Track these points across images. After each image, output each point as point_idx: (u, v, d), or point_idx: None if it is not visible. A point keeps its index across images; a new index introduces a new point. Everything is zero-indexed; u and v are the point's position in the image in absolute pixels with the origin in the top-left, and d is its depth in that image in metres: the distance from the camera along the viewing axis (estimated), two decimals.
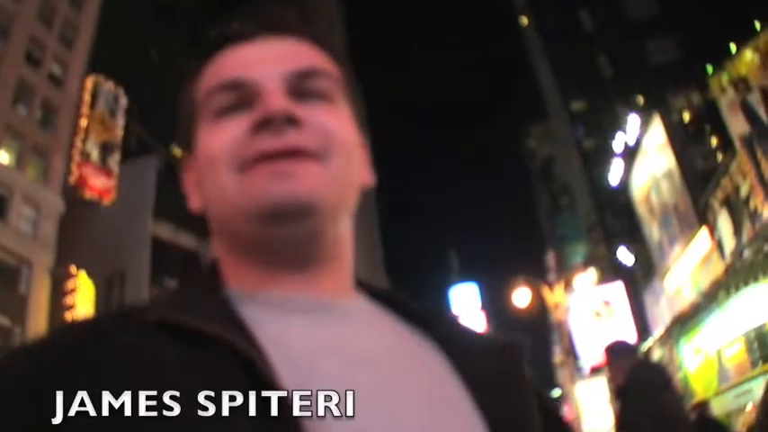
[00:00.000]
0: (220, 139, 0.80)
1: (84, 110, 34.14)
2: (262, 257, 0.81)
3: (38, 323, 28.23)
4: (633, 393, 5.01)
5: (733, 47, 25.96)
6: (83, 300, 30.39)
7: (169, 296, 0.80)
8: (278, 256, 0.80)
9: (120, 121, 36.42)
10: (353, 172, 0.85)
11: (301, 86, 0.82)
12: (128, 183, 34.78)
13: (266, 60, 0.83)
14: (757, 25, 24.32)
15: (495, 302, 75.40)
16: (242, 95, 0.81)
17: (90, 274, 30.98)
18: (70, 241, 31.10)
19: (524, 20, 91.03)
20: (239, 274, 0.82)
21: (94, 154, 34.42)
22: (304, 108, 0.81)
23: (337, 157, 0.80)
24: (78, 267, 30.33)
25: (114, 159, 35.49)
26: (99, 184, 34.18)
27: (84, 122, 33.89)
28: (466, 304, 75.84)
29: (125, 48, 42.67)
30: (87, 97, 34.41)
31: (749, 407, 26.56)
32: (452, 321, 0.90)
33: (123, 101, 36.71)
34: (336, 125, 0.82)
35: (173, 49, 46.75)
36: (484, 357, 0.83)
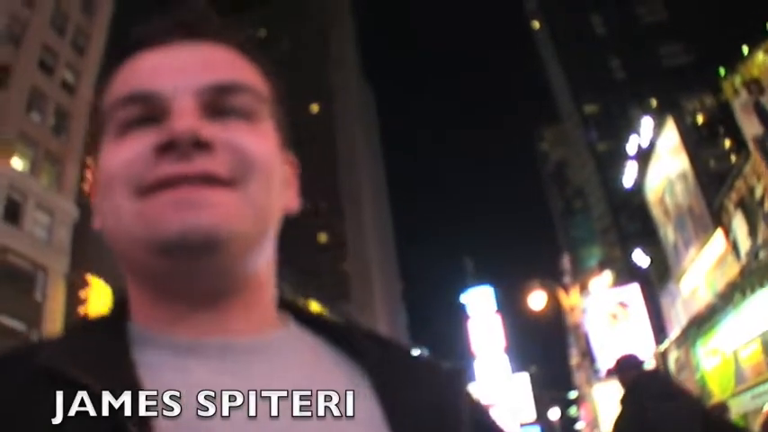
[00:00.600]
0: (120, 157, 0.71)
1: None
2: (164, 293, 0.73)
3: (53, 328, 28.42)
4: (627, 403, 5.20)
5: (745, 49, 25.90)
6: (98, 307, 30.57)
7: (63, 338, 0.73)
8: (181, 292, 0.72)
9: None
10: (273, 197, 0.76)
11: (218, 102, 0.73)
12: None
13: (180, 70, 0.74)
14: None
15: (510, 306, 75.14)
16: (149, 109, 0.72)
17: (106, 281, 31.16)
18: (85, 247, 31.29)
19: (536, 24, 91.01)
20: (143, 311, 0.75)
21: None
22: (219, 127, 0.72)
23: (254, 183, 0.72)
24: (93, 273, 30.51)
25: None
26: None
27: None
28: (482, 308, 75.60)
29: None
30: None
31: (766, 407, 26.43)
32: (386, 345, 0.83)
33: None
34: (255, 147, 0.73)
35: None
36: (415, 389, 0.76)
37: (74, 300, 29.66)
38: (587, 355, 48.09)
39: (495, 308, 75.96)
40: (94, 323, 0.76)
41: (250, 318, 0.75)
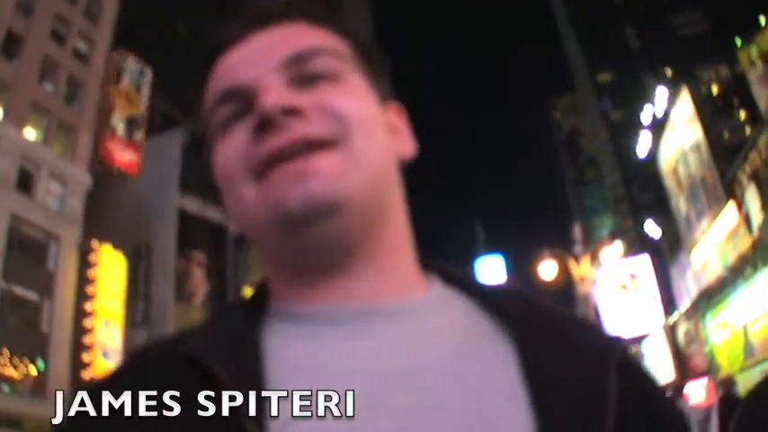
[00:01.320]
0: (228, 151, 0.75)
1: (110, 85, 34.37)
2: (294, 267, 0.76)
3: (66, 297, 28.68)
4: None
5: (762, 19, 25.57)
6: (110, 273, 30.83)
7: (203, 326, 0.79)
8: (313, 264, 0.75)
9: (146, 96, 36.64)
10: (379, 149, 0.77)
11: (301, 71, 0.76)
12: (153, 157, 35.05)
13: (256, 57, 0.77)
14: None
15: (520, 275, 75.30)
16: (241, 102, 0.76)
17: (117, 248, 31.38)
18: (97, 216, 31.47)
19: None
20: (279, 287, 0.79)
21: (120, 128, 34.70)
22: (308, 94, 0.75)
23: (357, 139, 0.74)
24: (105, 241, 30.73)
25: (140, 134, 35.76)
26: (125, 159, 34.49)
27: (109, 98, 34.14)
28: (492, 276, 75.85)
29: (150, 21, 42.76)
30: (113, 72, 34.62)
31: None
32: (537, 307, 0.80)
33: (148, 75, 36.87)
34: (348, 104, 0.75)
35: (198, 21, 46.78)
36: (563, 356, 0.73)
37: (86, 268, 29.92)
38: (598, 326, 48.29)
39: (506, 276, 76.05)
40: (238, 308, 0.80)
41: (389, 282, 0.77)
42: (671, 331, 40.19)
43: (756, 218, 29.93)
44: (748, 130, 39.86)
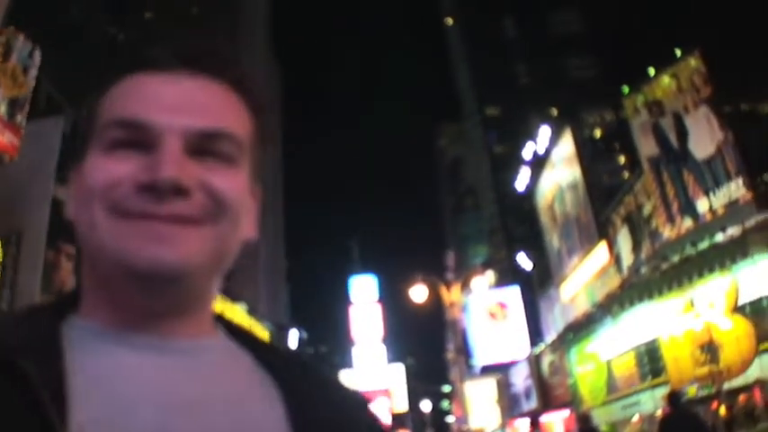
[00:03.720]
0: (103, 175, 0.77)
1: None
2: (121, 301, 0.79)
3: None
4: None
5: (651, 70, 26.76)
6: None
7: (6, 321, 0.80)
8: (137, 306, 0.78)
9: (33, 78, 34.89)
10: (238, 235, 0.83)
11: (203, 145, 0.79)
12: (32, 141, 33.32)
13: (172, 105, 0.79)
14: (678, 52, 25.14)
15: (392, 296, 75.94)
16: (139, 136, 0.78)
17: None
18: None
19: (449, 20, 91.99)
20: (96, 306, 0.80)
21: (2, 109, 32.85)
22: (199, 167, 0.78)
23: (224, 224, 0.79)
24: None
25: (22, 116, 33.98)
26: (5, 141, 32.62)
27: None
28: (364, 295, 76.08)
29: (44, 3, 40.95)
30: (0, 50, 32.83)
31: (635, 418, 27.57)
32: (299, 365, 0.88)
33: (37, 57, 35.15)
34: (229, 191, 0.80)
35: (93, 9, 45.19)
36: (324, 410, 0.83)
37: None
38: (463, 351, 49.16)
39: (378, 297, 76.49)
40: (38, 309, 0.81)
41: (190, 325, 0.82)
42: (536, 361, 41.36)
43: (627, 259, 31.25)
44: (626, 174, 41.77)
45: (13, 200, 32.75)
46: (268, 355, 0.87)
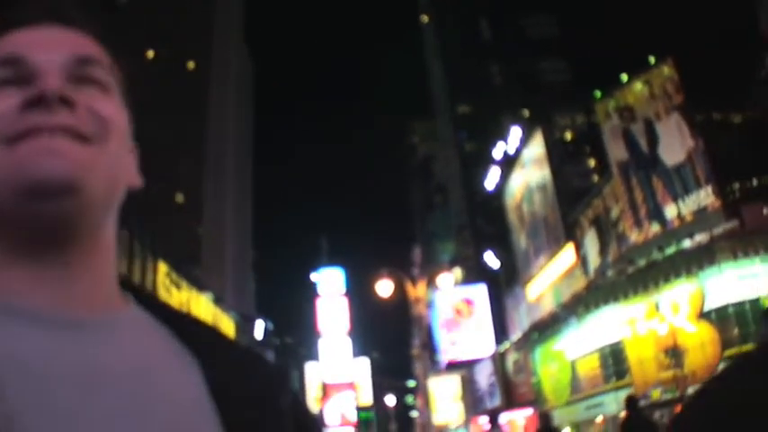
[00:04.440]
0: None
1: None
2: (16, 234, 0.78)
3: None
4: None
5: (624, 76, 27.05)
6: None
7: None
8: (33, 233, 0.78)
9: None
10: (123, 162, 0.85)
11: (79, 72, 0.82)
12: None
13: (48, 44, 0.83)
14: (651, 59, 25.46)
15: (358, 290, 75.98)
16: (18, 72, 0.80)
17: None
18: None
19: (425, 18, 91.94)
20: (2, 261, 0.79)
21: None
22: (80, 93, 0.81)
23: (111, 143, 0.81)
24: None
25: None
26: None
27: None
28: (331, 288, 76.07)
29: None
30: None
31: (599, 419, 27.95)
32: (215, 335, 0.91)
33: None
34: (111, 112, 0.83)
35: None
36: (242, 379, 0.85)
37: None
38: (428, 347, 49.27)
39: (344, 290, 76.52)
40: None
41: (92, 284, 0.81)
42: (500, 359, 41.67)
43: (594, 261, 31.62)
44: (596, 178, 42.21)
45: None
46: (182, 325, 0.88)
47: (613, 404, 24.54)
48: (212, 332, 0.90)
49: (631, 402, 9.70)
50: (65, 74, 0.81)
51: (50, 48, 0.82)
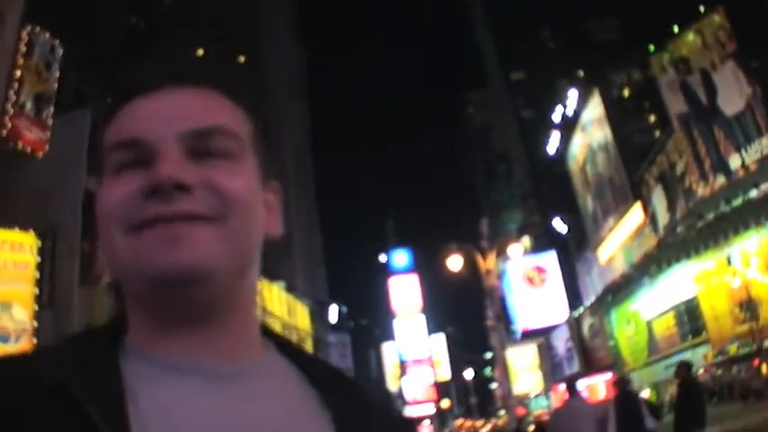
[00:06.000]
0: (114, 196, 0.80)
1: (19, 60, 32.98)
2: (157, 315, 0.81)
3: None
4: None
5: (676, 28, 26.42)
6: (15, 254, 29.62)
7: (58, 350, 0.80)
8: (172, 315, 0.80)
9: (56, 73, 35.29)
10: (252, 228, 0.83)
11: (200, 145, 0.81)
12: (61, 135, 33.74)
13: (164, 117, 0.82)
14: (701, 9, 24.80)
15: (429, 267, 76.04)
16: (139, 154, 0.80)
17: (23, 229, 30.19)
18: (2, 195, 30.18)
19: None
20: (141, 327, 0.82)
21: (29, 106, 33.34)
22: (200, 168, 0.80)
23: (235, 220, 0.80)
24: (10, 221, 29.51)
25: (48, 111, 34.42)
26: (33, 137, 33.09)
27: (18, 73, 32.76)
28: (401, 267, 76.42)
29: None
30: (22, 48, 33.24)
31: None
32: (350, 385, 0.91)
33: (59, 52, 35.53)
34: (233, 184, 0.81)
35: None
36: (369, 427, 0.86)
37: None
38: (502, 317, 49.21)
39: (414, 268, 76.71)
40: (93, 333, 0.84)
41: (239, 336, 0.84)
42: (576, 325, 41.44)
43: (662, 218, 31.06)
44: (657, 133, 41.33)
45: (46, 194, 33.04)
46: (316, 372, 0.88)
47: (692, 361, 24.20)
48: (344, 379, 0.91)
49: (620, 383, 10.00)
50: (184, 150, 0.80)
51: (167, 122, 0.81)
